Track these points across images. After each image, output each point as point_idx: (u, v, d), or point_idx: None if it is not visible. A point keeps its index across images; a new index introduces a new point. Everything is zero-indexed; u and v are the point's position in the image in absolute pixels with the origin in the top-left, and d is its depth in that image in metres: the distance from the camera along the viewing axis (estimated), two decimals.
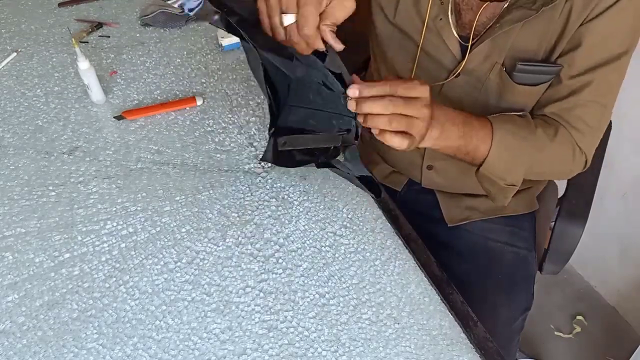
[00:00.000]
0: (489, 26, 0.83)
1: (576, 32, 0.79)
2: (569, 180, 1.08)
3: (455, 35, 0.85)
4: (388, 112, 0.67)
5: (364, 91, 0.68)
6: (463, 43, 0.86)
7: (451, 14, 0.84)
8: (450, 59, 0.88)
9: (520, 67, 0.83)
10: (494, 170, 0.83)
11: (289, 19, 0.65)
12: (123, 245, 0.83)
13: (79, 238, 0.84)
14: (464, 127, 0.79)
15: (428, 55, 0.90)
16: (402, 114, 0.68)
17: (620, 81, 0.85)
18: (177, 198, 0.90)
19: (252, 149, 0.99)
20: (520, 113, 0.87)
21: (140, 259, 0.82)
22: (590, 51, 0.80)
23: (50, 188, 0.91)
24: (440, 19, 0.85)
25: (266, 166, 0.95)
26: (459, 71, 0.88)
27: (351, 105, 0.69)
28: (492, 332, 0.76)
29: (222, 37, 1.19)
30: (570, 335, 1.66)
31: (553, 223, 1.05)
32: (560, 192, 1.16)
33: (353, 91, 0.68)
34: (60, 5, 1.34)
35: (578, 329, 1.67)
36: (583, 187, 1.05)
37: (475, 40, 0.84)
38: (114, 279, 0.79)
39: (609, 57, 0.80)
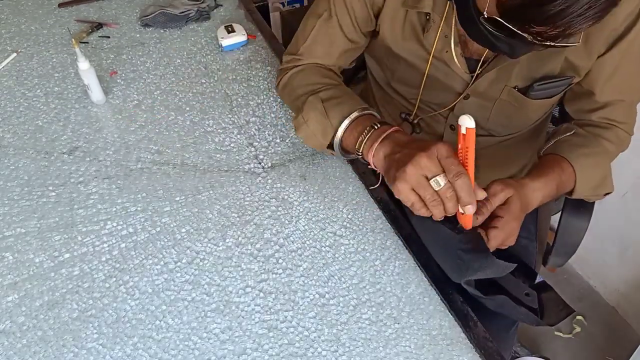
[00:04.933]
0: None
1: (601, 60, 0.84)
2: None
3: (460, 65, 0.87)
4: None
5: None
6: (468, 73, 0.88)
7: (455, 46, 0.85)
8: (458, 83, 0.90)
9: (537, 86, 0.86)
10: (586, 193, 0.89)
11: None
12: (123, 245, 0.83)
13: (79, 238, 0.84)
14: (556, 190, 0.84)
15: (435, 81, 0.91)
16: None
17: None
18: (177, 198, 0.90)
19: (252, 149, 0.99)
20: (572, 132, 0.92)
21: (140, 259, 0.82)
22: (616, 68, 0.84)
23: (50, 188, 0.91)
24: (447, 52, 0.86)
25: (266, 166, 0.95)
26: (467, 93, 0.90)
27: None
28: (491, 323, 0.76)
29: (222, 38, 1.19)
30: (570, 335, 1.66)
31: (557, 216, 1.05)
32: None
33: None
34: (60, 5, 1.34)
35: (578, 329, 1.67)
36: None
37: (483, 66, 0.86)
38: (114, 279, 0.79)
39: (634, 68, 0.85)
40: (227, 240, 0.84)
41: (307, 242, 0.84)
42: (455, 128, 0.97)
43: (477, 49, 0.85)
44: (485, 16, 0.65)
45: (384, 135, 0.75)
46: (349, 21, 0.90)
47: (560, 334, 1.66)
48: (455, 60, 0.86)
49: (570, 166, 0.86)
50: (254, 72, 1.15)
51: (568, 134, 0.91)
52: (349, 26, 0.91)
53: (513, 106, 0.90)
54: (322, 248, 0.84)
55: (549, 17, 0.59)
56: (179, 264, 0.81)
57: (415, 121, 1.00)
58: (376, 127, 0.77)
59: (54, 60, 1.18)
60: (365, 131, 0.78)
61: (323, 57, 0.94)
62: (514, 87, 0.87)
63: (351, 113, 0.82)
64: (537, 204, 0.82)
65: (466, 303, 0.78)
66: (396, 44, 0.91)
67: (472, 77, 0.88)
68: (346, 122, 0.81)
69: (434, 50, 0.87)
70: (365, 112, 0.82)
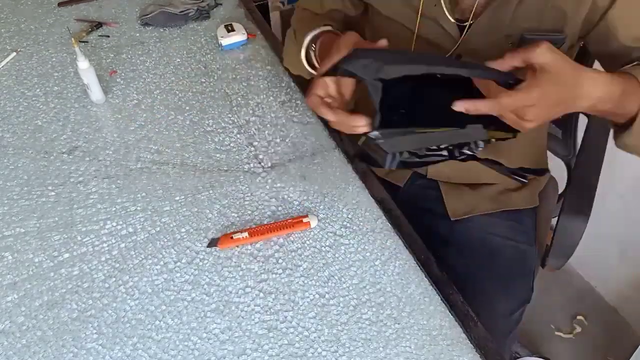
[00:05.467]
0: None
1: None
2: (571, 175, 1.08)
3: (451, 19, 0.86)
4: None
5: (470, 108, 0.68)
6: (461, 24, 0.87)
7: None
8: (448, 41, 0.89)
9: (527, 37, 0.83)
10: None
11: None
12: (123, 245, 0.83)
13: (79, 238, 0.84)
14: (620, 100, 0.72)
15: (425, 41, 0.91)
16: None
17: None
18: (177, 198, 0.90)
19: (252, 148, 0.99)
20: (635, 63, 0.81)
21: (140, 259, 0.82)
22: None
23: (50, 188, 0.91)
24: (435, 5, 0.86)
25: (266, 166, 0.95)
26: (457, 52, 0.88)
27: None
28: (490, 324, 0.76)
29: (222, 37, 1.19)
30: (571, 335, 1.66)
31: (555, 219, 1.05)
32: (560, 189, 1.16)
33: (458, 106, 0.68)
34: (59, 4, 1.34)
35: (578, 329, 1.67)
36: (585, 182, 1.05)
37: (472, 21, 0.85)
38: (114, 279, 0.79)
39: None
40: None
41: (307, 242, 0.84)
42: None
43: (467, 6, 0.85)
44: None
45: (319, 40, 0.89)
46: None
47: (561, 334, 1.66)
48: (446, 13, 0.85)
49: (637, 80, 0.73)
50: (253, 72, 1.15)
51: (630, 65, 0.81)
52: None
53: None
54: (322, 248, 0.83)
55: None
56: (178, 264, 0.81)
57: None
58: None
59: (54, 59, 1.18)
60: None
61: (314, 9, 1.02)
62: (510, 44, 0.85)
63: (311, 31, 0.91)
64: (590, 98, 0.69)
65: (466, 303, 0.78)
66: (384, 3, 0.93)
67: (463, 30, 0.87)
68: (308, 37, 0.91)
69: (422, 6, 0.87)
70: (321, 29, 0.91)
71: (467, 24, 0.86)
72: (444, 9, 0.86)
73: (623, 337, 1.65)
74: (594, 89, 0.69)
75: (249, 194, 0.91)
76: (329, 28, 0.91)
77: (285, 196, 0.90)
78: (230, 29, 1.20)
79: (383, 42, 0.76)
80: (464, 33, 0.86)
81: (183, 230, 0.85)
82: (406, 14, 0.90)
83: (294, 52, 0.95)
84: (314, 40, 0.90)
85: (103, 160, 0.96)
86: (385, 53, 0.74)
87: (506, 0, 0.81)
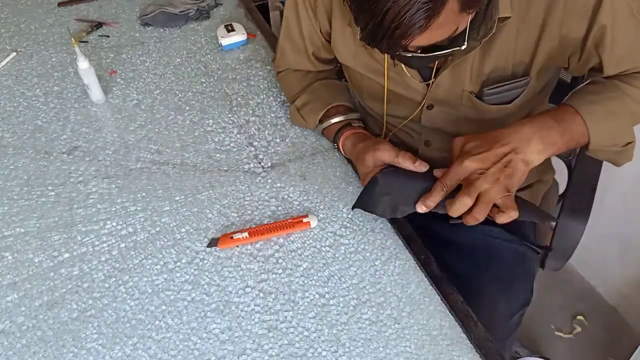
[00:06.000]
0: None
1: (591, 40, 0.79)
2: (570, 177, 1.08)
3: (412, 76, 0.88)
4: (470, 202, 0.75)
5: (431, 202, 0.77)
6: (422, 82, 0.88)
7: None
8: (418, 93, 0.90)
9: (488, 91, 0.85)
10: (603, 143, 0.81)
11: None
12: (123, 245, 0.83)
13: (79, 238, 0.84)
14: (559, 124, 0.77)
15: (397, 95, 0.93)
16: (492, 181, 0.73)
17: None
18: (177, 198, 0.90)
19: (252, 148, 0.99)
20: (588, 80, 0.84)
21: (140, 259, 0.82)
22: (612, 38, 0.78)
23: (50, 188, 0.91)
24: (396, 65, 0.87)
25: (266, 166, 0.95)
26: (428, 103, 0.90)
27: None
28: (490, 326, 0.76)
29: (222, 37, 1.19)
30: (571, 335, 1.66)
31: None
32: (561, 190, 1.16)
33: (422, 209, 0.78)
34: (59, 5, 1.34)
35: (578, 329, 1.67)
36: (584, 184, 1.05)
37: (438, 73, 0.86)
38: (114, 279, 0.79)
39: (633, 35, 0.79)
40: None
41: (307, 242, 0.84)
42: (430, 144, 0.97)
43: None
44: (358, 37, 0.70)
45: (342, 139, 0.94)
46: (305, 35, 0.98)
47: (561, 334, 1.66)
48: (406, 71, 0.87)
49: (577, 114, 0.77)
50: (253, 72, 1.15)
51: (583, 84, 0.84)
52: (305, 40, 0.98)
53: (475, 112, 0.89)
54: (322, 248, 0.83)
55: (373, 36, 0.64)
56: (178, 264, 0.81)
57: (387, 139, 1.01)
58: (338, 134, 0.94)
59: (54, 59, 1.18)
60: (334, 134, 0.96)
61: (294, 65, 1.04)
62: (471, 93, 0.86)
63: (321, 121, 0.97)
64: (525, 128, 0.75)
65: (466, 303, 0.78)
66: (350, 61, 0.94)
67: (429, 85, 0.88)
68: (320, 127, 0.98)
69: (387, 65, 0.88)
70: (331, 120, 0.95)
71: (431, 80, 0.87)
72: (404, 68, 0.87)
73: (623, 337, 1.65)
74: (519, 126, 0.76)
75: (249, 194, 0.91)
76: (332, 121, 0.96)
77: (285, 196, 0.90)
78: (230, 29, 1.20)
79: (420, 167, 0.82)
80: (429, 89, 0.88)
81: (183, 230, 0.85)
82: (375, 69, 0.91)
83: (304, 123, 1.01)
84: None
85: (103, 160, 0.96)
86: (406, 182, 0.82)
87: (464, 59, 0.81)
